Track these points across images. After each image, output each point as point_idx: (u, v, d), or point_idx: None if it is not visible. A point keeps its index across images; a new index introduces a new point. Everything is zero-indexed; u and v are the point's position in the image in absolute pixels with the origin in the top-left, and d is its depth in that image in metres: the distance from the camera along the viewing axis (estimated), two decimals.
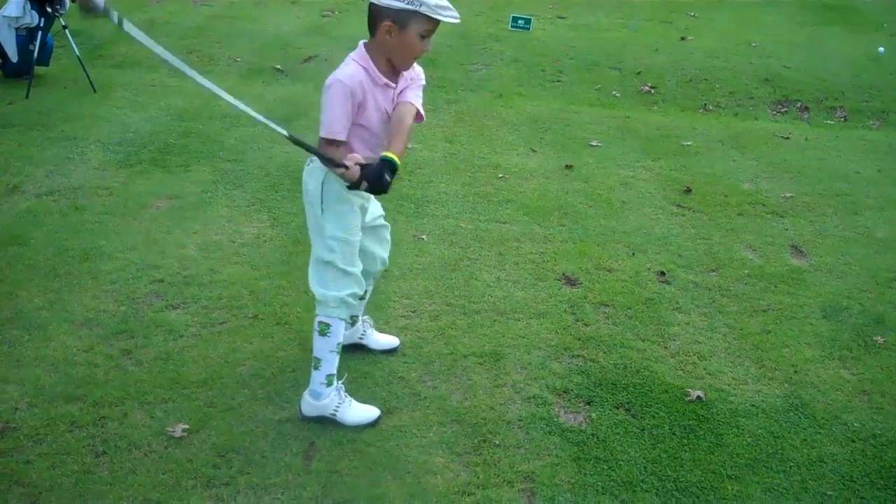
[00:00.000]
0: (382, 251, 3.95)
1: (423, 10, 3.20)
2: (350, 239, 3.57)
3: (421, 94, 3.62)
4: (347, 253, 3.57)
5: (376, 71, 3.33)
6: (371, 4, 3.25)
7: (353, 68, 3.31)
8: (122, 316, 4.44)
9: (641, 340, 4.48)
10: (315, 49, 9.68)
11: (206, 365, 4.08)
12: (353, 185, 3.27)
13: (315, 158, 3.48)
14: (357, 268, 3.62)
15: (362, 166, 3.25)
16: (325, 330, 3.59)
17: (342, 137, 3.36)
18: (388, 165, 3.28)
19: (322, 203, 3.52)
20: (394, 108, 3.50)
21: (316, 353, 3.65)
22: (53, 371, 3.98)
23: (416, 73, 3.58)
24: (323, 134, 3.35)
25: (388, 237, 3.99)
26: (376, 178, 3.25)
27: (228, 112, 7.59)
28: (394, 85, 3.42)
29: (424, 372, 4.13)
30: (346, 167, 3.23)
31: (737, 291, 5.04)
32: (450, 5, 3.27)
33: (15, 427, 3.61)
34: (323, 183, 3.50)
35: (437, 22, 3.27)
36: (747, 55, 10.25)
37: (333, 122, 3.32)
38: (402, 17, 3.22)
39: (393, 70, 3.40)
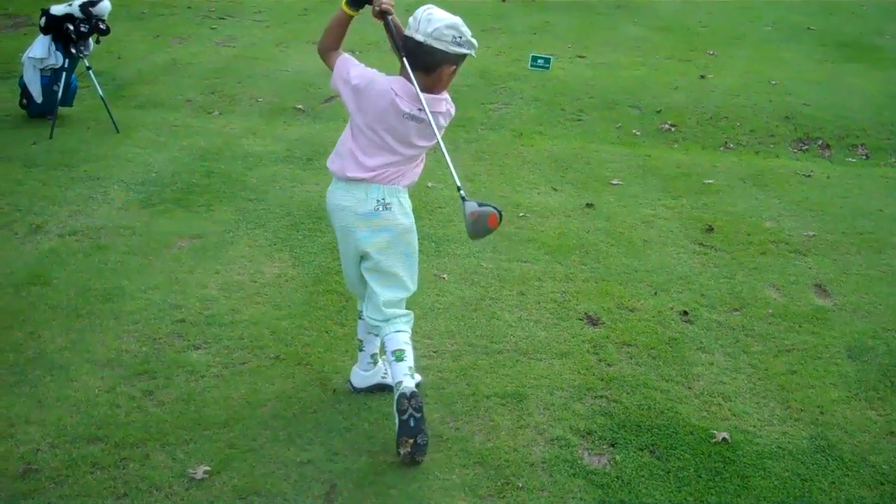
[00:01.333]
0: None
1: (473, 52, 3.60)
2: (348, 273, 4.01)
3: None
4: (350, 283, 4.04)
5: (411, 92, 3.57)
6: (432, 47, 3.49)
7: (395, 80, 3.62)
8: (144, 356, 4.45)
9: (665, 381, 4.44)
10: None
11: (228, 406, 4.07)
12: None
13: (401, 198, 3.78)
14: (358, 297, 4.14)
15: None
16: (401, 356, 3.77)
17: (351, 60, 3.74)
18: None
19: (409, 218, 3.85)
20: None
21: (412, 363, 3.79)
22: (75, 411, 3.98)
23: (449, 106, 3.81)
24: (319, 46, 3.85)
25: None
26: None
27: (250, 152, 7.63)
28: (419, 107, 3.58)
29: (447, 413, 4.10)
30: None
31: (761, 331, 4.99)
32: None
33: (37, 468, 3.60)
34: (409, 209, 3.86)
35: None
36: (767, 93, 10.23)
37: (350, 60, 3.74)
38: (461, 60, 3.62)
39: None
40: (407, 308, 3.91)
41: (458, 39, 3.49)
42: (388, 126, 3.60)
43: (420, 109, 3.55)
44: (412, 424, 3.60)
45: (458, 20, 3.52)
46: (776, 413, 4.22)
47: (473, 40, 3.54)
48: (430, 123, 3.55)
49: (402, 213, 3.77)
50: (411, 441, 3.60)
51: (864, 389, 4.46)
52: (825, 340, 4.92)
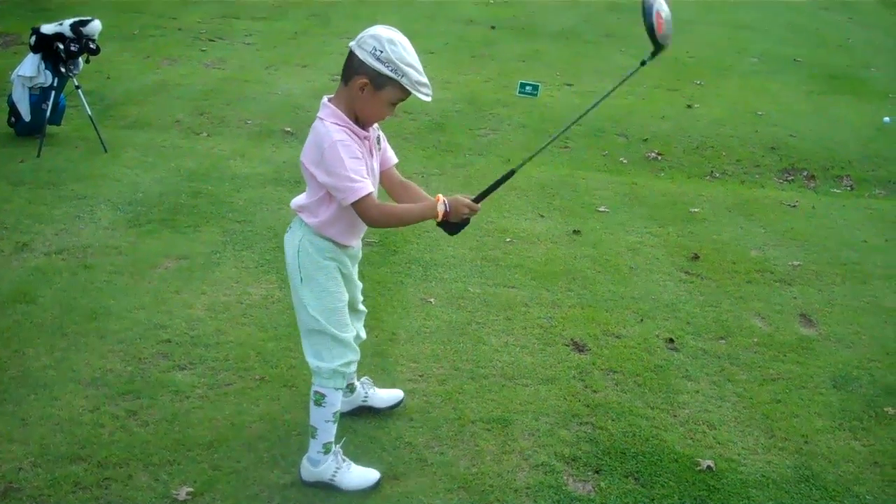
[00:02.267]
0: (359, 328, 3.89)
1: (404, 81, 3.21)
2: (335, 306, 3.55)
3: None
4: (335, 320, 3.54)
5: (353, 125, 3.34)
6: (352, 53, 3.26)
7: (338, 129, 3.29)
8: (129, 376, 4.43)
9: (650, 408, 4.45)
10: None
11: (212, 427, 4.06)
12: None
13: (293, 223, 3.56)
14: (349, 333, 3.60)
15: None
16: (320, 400, 3.57)
17: (369, 187, 3.33)
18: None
19: (300, 272, 3.50)
20: (384, 174, 3.63)
21: (312, 422, 3.63)
22: (58, 431, 3.96)
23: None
24: (353, 197, 3.29)
25: (363, 320, 3.95)
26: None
27: (238, 173, 7.63)
28: (366, 135, 3.42)
29: (431, 437, 4.10)
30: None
31: (746, 360, 5.01)
32: (427, 83, 3.27)
33: (18, 487, 3.59)
34: (298, 251, 3.49)
35: (409, 94, 3.27)
36: (754, 123, 10.31)
37: (357, 177, 3.28)
38: (380, 80, 3.23)
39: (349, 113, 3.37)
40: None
41: (378, 53, 3.16)
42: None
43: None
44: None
45: (396, 39, 3.20)
46: (761, 442, 4.24)
47: (407, 68, 3.18)
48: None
49: (290, 242, 3.56)
50: None
51: (848, 419, 4.48)
52: (810, 370, 4.94)
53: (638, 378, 4.74)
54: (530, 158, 3.68)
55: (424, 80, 3.25)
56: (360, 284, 3.83)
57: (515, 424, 4.23)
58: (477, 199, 3.66)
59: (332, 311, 3.53)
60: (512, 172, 3.72)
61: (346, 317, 3.60)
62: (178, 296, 5.32)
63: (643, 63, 3.52)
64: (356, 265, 3.75)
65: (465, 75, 11.70)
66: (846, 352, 5.19)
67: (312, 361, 3.57)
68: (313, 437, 3.65)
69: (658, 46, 3.48)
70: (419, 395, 4.42)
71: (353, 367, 3.69)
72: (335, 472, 3.68)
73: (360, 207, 3.32)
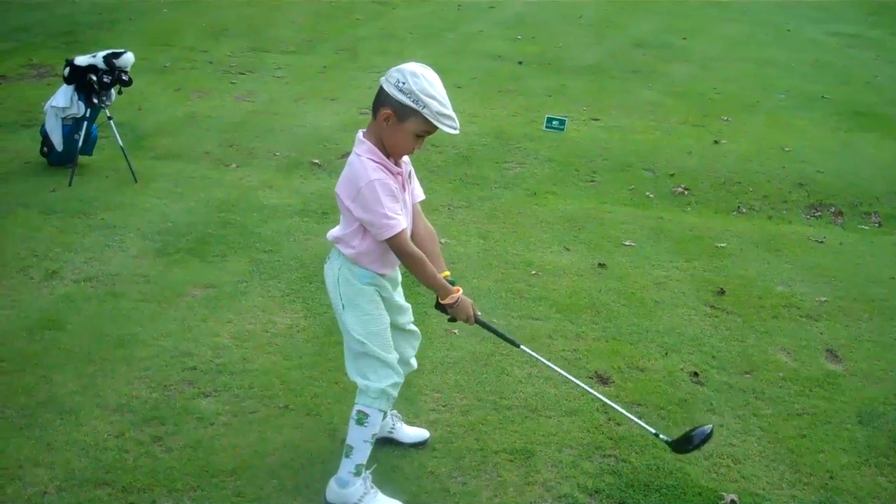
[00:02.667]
0: (410, 354, 3.96)
1: (425, 112, 3.27)
2: (377, 330, 3.62)
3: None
4: (379, 343, 3.60)
5: (387, 161, 3.40)
6: (381, 87, 3.34)
7: (374, 167, 3.35)
8: (154, 402, 4.47)
9: None
10: (352, 145, 9.82)
11: (236, 454, 4.08)
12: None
13: (331, 254, 3.64)
14: (393, 355, 3.66)
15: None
16: (363, 420, 3.60)
17: (404, 223, 3.41)
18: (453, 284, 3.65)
19: (341, 299, 3.57)
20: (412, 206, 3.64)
21: (350, 441, 3.65)
22: (84, 455, 4.00)
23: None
24: (389, 233, 3.37)
25: (416, 345, 4.00)
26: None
27: (266, 204, 7.70)
28: (399, 171, 3.49)
29: (454, 467, 4.10)
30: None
31: (771, 394, 4.98)
32: (453, 115, 3.31)
33: None
34: (338, 280, 3.57)
35: (434, 126, 3.31)
36: (780, 159, 10.28)
37: (390, 214, 3.36)
38: (403, 112, 3.30)
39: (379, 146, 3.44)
40: (418, 361, 3.94)
41: (401, 85, 3.25)
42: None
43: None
44: None
45: (420, 72, 3.27)
46: (785, 477, 4.21)
47: (429, 100, 3.24)
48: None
49: (330, 270, 3.66)
50: None
51: (874, 455, 4.44)
52: (836, 405, 4.90)
53: (662, 411, 4.72)
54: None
55: (448, 112, 3.29)
56: (407, 306, 3.90)
57: (538, 456, 4.23)
58: (478, 320, 3.74)
59: (374, 333, 3.60)
60: (516, 344, 3.94)
61: (389, 339, 3.67)
62: (204, 324, 5.36)
63: (657, 435, 3.88)
64: (398, 288, 3.82)
65: (492, 109, 11.76)
66: (873, 388, 5.15)
67: (360, 381, 3.63)
68: (347, 456, 3.66)
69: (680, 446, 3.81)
70: (442, 426, 4.43)
71: (397, 391, 3.71)
72: (362, 496, 3.69)
73: (394, 242, 3.41)
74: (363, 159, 3.37)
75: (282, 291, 5.89)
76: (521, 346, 3.90)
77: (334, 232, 3.61)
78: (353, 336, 3.58)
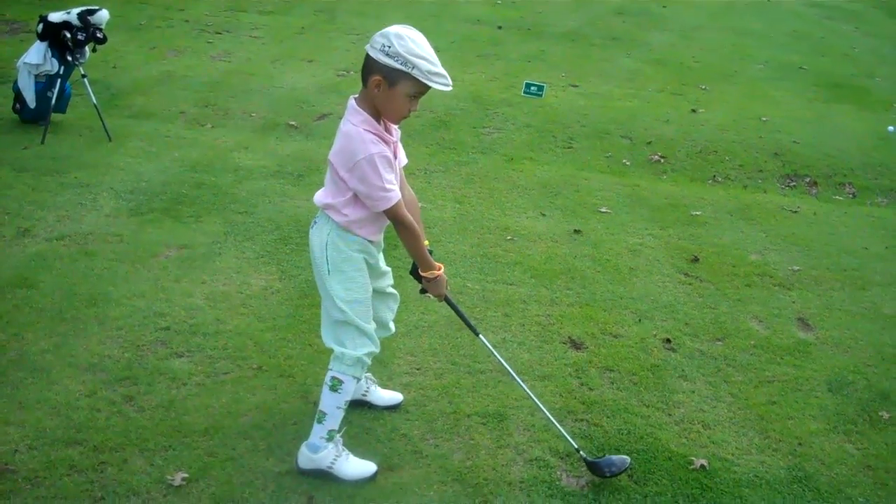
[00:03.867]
0: (389, 318, 3.96)
1: (415, 73, 3.20)
2: (360, 298, 3.59)
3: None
4: (360, 311, 3.59)
5: (381, 131, 3.36)
6: (366, 55, 3.27)
7: (373, 139, 3.31)
8: (127, 362, 4.45)
9: (646, 407, 4.46)
10: (329, 107, 9.77)
11: (209, 414, 4.07)
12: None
13: (318, 218, 3.56)
14: (372, 325, 3.65)
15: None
16: (336, 386, 3.59)
17: (399, 195, 3.40)
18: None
19: (328, 264, 3.53)
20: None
21: (322, 407, 3.64)
22: (55, 414, 3.98)
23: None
24: (387, 205, 3.36)
25: (395, 307, 3.99)
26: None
27: (241, 165, 7.65)
28: (392, 139, 3.46)
29: (427, 430, 4.11)
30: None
31: (742, 361, 5.02)
32: (444, 72, 3.25)
33: (14, 469, 3.60)
34: (326, 245, 3.52)
35: (427, 86, 3.26)
36: (757, 129, 10.31)
37: (390, 186, 3.34)
38: (392, 76, 3.24)
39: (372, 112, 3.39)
40: (396, 324, 3.95)
41: (387, 48, 3.18)
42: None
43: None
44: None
45: (404, 33, 3.20)
46: (755, 442, 4.25)
47: (417, 60, 3.18)
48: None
49: (317, 234, 3.58)
50: None
51: (842, 423, 4.49)
52: (806, 373, 4.95)
53: (634, 377, 4.75)
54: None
55: (438, 69, 3.23)
56: (388, 270, 3.89)
57: (511, 419, 4.25)
58: (447, 299, 3.79)
59: (357, 301, 3.57)
60: (476, 332, 3.96)
61: (370, 309, 3.66)
62: (177, 284, 5.34)
63: (577, 450, 3.90)
64: (381, 253, 3.80)
65: (470, 74, 11.71)
66: (843, 356, 5.20)
67: (336, 348, 3.61)
68: (319, 422, 3.66)
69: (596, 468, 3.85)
70: (416, 389, 4.44)
71: (371, 359, 3.70)
72: (334, 460, 3.69)
73: (390, 213, 3.41)
74: (360, 130, 3.31)
75: (256, 253, 5.87)
76: (480, 336, 3.89)
77: (324, 198, 3.53)
78: (335, 302, 3.55)
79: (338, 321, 3.59)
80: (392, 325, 4.00)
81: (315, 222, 3.61)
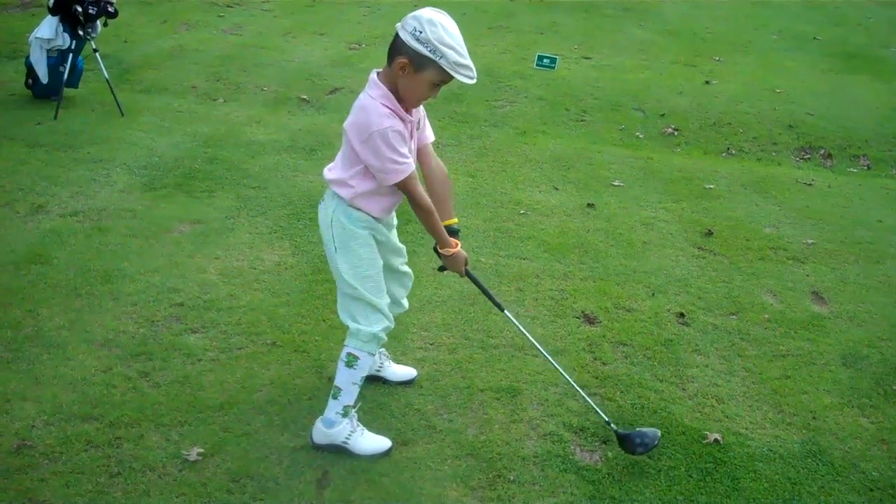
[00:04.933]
0: (402, 295, 3.96)
1: (443, 62, 3.17)
2: (370, 274, 3.58)
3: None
4: (371, 287, 3.58)
5: (399, 109, 3.33)
6: (397, 34, 3.23)
7: (388, 113, 3.29)
8: (142, 338, 4.46)
9: (659, 381, 4.46)
10: (341, 81, 9.76)
11: (223, 390, 4.09)
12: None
13: (325, 196, 3.56)
14: (385, 299, 3.65)
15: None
16: (352, 362, 3.60)
17: (412, 167, 3.38)
18: (457, 233, 3.67)
19: (334, 242, 3.53)
20: (421, 150, 3.59)
21: (338, 383, 3.65)
22: (71, 390, 4.00)
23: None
24: (400, 177, 3.34)
25: (409, 285, 3.99)
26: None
27: (254, 140, 7.65)
28: (411, 119, 3.42)
29: (441, 405, 4.12)
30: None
31: (756, 336, 5.01)
32: (471, 65, 3.22)
33: (31, 444, 3.62)
34: (332, 222, 3.52)
35: (450, 76, 3.23)
36: (771, 101, 10.25)
37: (402, 159, 3.32)
38: (420, 61, 3.20)
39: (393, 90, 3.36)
40: (409, 300, 3.94)
41: (418, 34, 3.14)
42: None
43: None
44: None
45: (437, 20, 3.16)
46: (769, 417, 4.24)
47: (446, 49, 3.14)
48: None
49: (324, 210, 3.58)
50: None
51: (856, 397, 4.48)
52: (820, 347, 4.94)
53: (648, 351, 4.75)
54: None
55: (466, 61, 3.20)
56: (402, 247, 3.87)
57: (524, 394, 4.25)
58: (468, 273, 3.76)
59: (367, 277, 3.56)
60: (500, 307, 3.88)
61: (381, 283, 3.64)
62: (191, 260, 5.35)
63: (608, 423, 3.86)
64: (393, 230, 3.78)
65: (482, 46, 11.65)
66: (857, 330, 5.18)
67: (351, 324, 3.61)
68: (335, 397, 3.67)
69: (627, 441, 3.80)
70: (429, 364, 4.44)
71: (386, 335, 3.71)
72: (349, 435, 3.71)
73: (402, 186, 3.39)
74: (377, 104, 3.29)
75: (269, 228, 5.87)
76: (506, 312, 3.86)
77: (332, 173, 3.52)
78: (344, 280, 3.55)
79: (350, 297, 3.59)
80: (405, 302, 4.00)
81: (322, 199, 3.60)
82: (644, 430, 3.81)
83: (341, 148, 3.49)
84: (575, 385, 3.91)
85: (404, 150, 3.33)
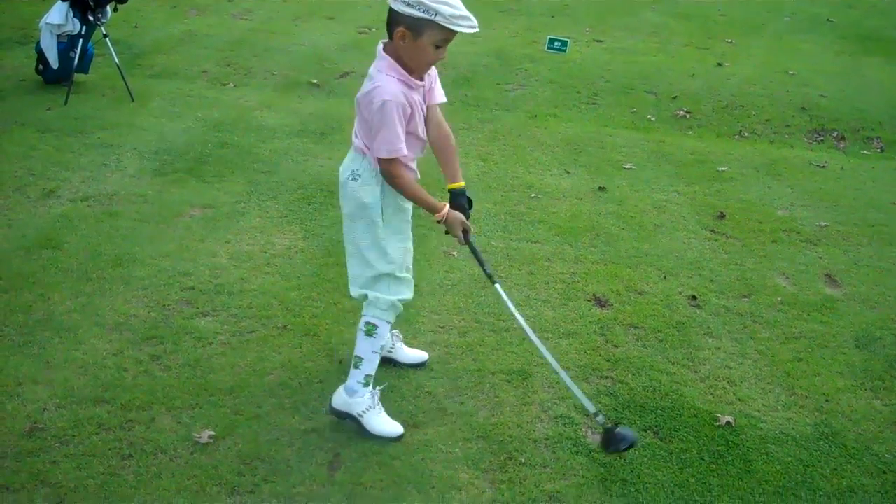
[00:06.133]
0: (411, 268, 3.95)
1: (439, 20, 3.13)
2: (408, 246, 3.67)
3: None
4: (400, 261, 3.64)
5: (409, 77, 3.32)
6: (389, 8, 3.23)
7: (394, 84, 3.28)
8: (153, 322, 4.47)
9: (671, 364, 4.44)
10: (351, 65, 9.73)
11: (234, 373, 4.09)
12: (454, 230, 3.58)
13: (361, 173, 3.51)
14: (410, 273, 3.70)
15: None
16: (372, 331, 3.63)
17: (404, 151, 3.36)
18: (464, 195, 3.61)
19: (382, 215, 3.54)
20: (427, 110, 3.54)
21: (358, 353, 3.68)
22: (82, 374, 4.01)
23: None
24: (385, 154, 3.33)
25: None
26: (466, 211, 3.62)
27: (264, 124, 7.64)
28: (422, 83, 3.41)
29: (452, 387, 4.11)
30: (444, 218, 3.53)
31: (769, 318, 4.99)
32: (468, 15, 3.17)
33: (43, 427, 3.63)
34: (382, 194, 3.52)
35: (453, 32, 3.19)
36: (784, 83, 10.19)
37: (394, 140, 3.31)
38: (416, 25, 3.18)
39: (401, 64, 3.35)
40: (415, 284, 3.91)
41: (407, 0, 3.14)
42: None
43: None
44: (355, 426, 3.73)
45: None
46: (781, 399, 4.22)
47: (440, 6, 3.09)
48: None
49: (367, 186, 3.51)
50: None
51: (869, 379, 4.45)
52: (833, 329, 4.91)
53: (659, 334, 4.73)
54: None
55: (462, 12, 3.16)
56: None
57: (535, 377, 4.24)
58: (468, 241, 3.65)
59: (404, 251, 3.64)
60: (493, 279, 3.68)
61: (409, 259, 3.72)
62: (202, 244, 5.35)
63: (596, 414, 3.51)
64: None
65: (493, 30, 11.61)
66: (870, 312, 5.15)
67: (371, 293, 3.63)
68: (356, 367, 3.69)
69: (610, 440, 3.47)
70: (440, 347, 4.44)
71: (402, 307, 3.75)
72: (366, 409, 3.71)
73: (386, 165, 3.38)
74: (384, 75, 3.30)
75: (280, 212, 5.87)
76: (497, 285, 3.73)
77: (368, 151, 3.47)
78: (387, 252, 3.56)
79: (377, 268, 3.59)
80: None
81: (357, 175, 3.52)
82: (624, 432, 3.47)
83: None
84: (561, 373, 3.66)
85: (399, 131, 3.31)
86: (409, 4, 3.12)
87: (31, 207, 5.71)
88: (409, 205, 3.63)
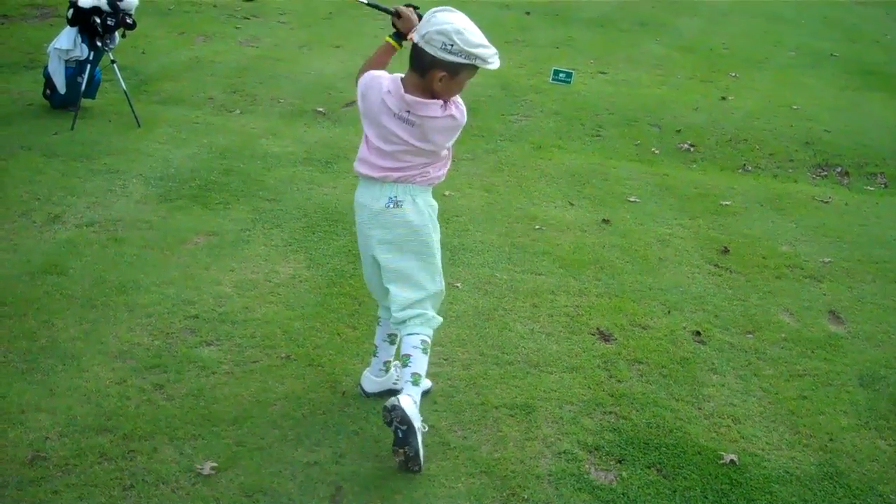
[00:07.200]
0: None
1: (478, 63, 3.39)
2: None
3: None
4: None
5: (400, 89, 3.48)
6: (422, 49, 3.39)
7: (395, 84, 3.51)
8: (156, 350, 4.46)
9: (675, 400, 4.43)
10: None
11: (238, 403, 4.08)
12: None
13: (402, 200, 3.63)
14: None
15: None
16: (427, 348, 3.78)
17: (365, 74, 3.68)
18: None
19: (433, 234, 3.76)
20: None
21: (418, 370, 3.74)
22: (85, 402, 4.00)
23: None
24: (360, 76, 3.69)
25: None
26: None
27: (270, 152, 7.66)
28: (408, 99, 3.48)
29: (454, 421, 4.10)
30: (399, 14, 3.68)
31: (773, 355, 4.98)
32: (495, 50, 3.44)
33: (45, 456, 3.62)
34: (431, 214, 3.73)
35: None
36: (788, 118, 10.22)
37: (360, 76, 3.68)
38: (455, 69, 3.40)
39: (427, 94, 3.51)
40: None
41: (449, 47, 3.32)
42: (379, 123, 3.56)
43: (409, 112, 3.47)
44: (399, 436, 3.60)
45: (460, 26, 3.33)
46: (785, 438, 4.21)
47: (478, 50, 3.34)
48: (421, 127, 3.50)
49: (415, 211, 3.65)
50: (401, 451, 3.61)
51: (874, 418, 4.44)
52: (837, 367, 4.90)
53: (663, 369, 4.72)
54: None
55: (491, 50, 3.42)
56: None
57: (539, 411, 4.23)
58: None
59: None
60: (389, 10, 3.85)
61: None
62: (206, 272, 5.35)
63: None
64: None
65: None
66: (874, 350, 5.14)
67: (429, 312, 3.82)
68: (416, 384, 3.72)
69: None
70: (443, 379, 4.42)
71: (390, 346, 4.04)
72: (396, 381, 4.15)
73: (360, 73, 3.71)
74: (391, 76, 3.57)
75: (284, 241, 5.87)
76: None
77: (398, 171, 3.64)
78: (437, 268, 3.81)
79: (432, 292, 3.80)
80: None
81: (399, 203, 3.64)
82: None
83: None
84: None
85: (364, 89, 3.63)
86: (451, 52, 3.34)
87: (36, 232, 5.72)
88: (361, 228, 3.77)
